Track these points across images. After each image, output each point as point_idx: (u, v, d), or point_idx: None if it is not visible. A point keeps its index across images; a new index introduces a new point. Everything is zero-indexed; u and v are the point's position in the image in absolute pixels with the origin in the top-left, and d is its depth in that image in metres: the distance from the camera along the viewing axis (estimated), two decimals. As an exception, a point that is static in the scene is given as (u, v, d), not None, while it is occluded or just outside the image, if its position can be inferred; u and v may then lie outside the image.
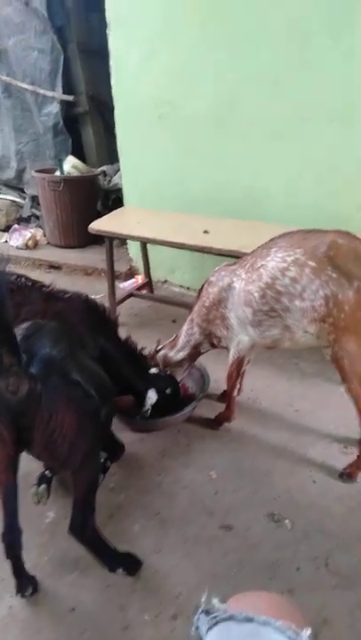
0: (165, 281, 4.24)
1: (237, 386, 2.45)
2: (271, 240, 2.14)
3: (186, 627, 1.63)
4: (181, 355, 2.54)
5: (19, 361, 1.38)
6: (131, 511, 2.08)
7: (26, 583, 1.69)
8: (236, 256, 2.76)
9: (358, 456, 2.17)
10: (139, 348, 2.66)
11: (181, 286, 4.15)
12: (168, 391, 2.50)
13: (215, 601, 0.84)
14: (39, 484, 2.09)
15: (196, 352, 2.54)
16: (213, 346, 2.47)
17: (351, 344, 1.98)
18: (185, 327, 2.51)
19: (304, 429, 2.51)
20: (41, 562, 1.86)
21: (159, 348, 2.61)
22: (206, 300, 2.32)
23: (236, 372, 2.38)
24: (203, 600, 0.85)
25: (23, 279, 2.21)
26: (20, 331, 1.55)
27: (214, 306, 2.29)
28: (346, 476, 2.18)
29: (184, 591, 1.74)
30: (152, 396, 2.44)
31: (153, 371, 2.52)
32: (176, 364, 2.58)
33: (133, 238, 3.19)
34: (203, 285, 2.40)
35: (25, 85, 4.79)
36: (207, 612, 0.80)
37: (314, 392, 2.78)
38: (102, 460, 2.19)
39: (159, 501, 2.12)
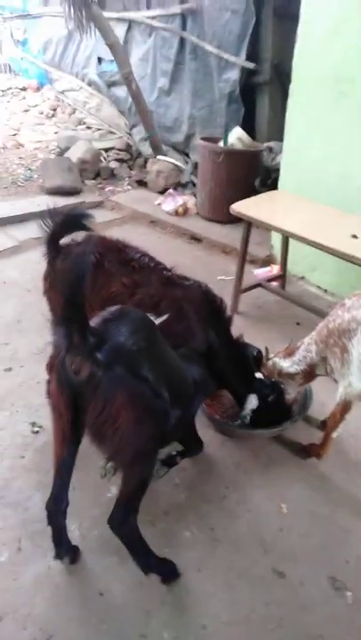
0: (303, 277, 3.91)
1: (339, 428, 2.14)
2: None
3: (201, 662, 1.53)
4: (295, 369, 2.26)
5: (85, 342, 1.34)
6: (186, 515, 2.00)
7: (64, 551, 1.73)
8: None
9: None
10: (253, 350, 2.50)
11: (319, 287, 3.79)
12: (271, 399, 2.33)
13: None
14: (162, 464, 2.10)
15: (311, 372, 2.24)
16: (327, 373, 2.17)
17: None
18: (306, 340, 2.23)
19: None
20: (89, 535, 1.90)
21: (271, 355, 2.39)
22: (332, 322, 2.03)
23: (341, 415, 2.07)
24: None
25: (147, 259, 2.18)
26: (105, 313, 1.50)
27: (338, 332, 1.99)
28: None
29: (210, 625, 1.63)
30: (253, 402, 2.28)
31: (258, 376, 2.35)
32: (287, 377, 2.30)
33: (272, 228, 2.95)
34: (337, 304, 2.10)
35: (211, 48, 4.68)
36: None
37: None
38: (174, 454, 2.13)
39: (218, 516, 2.00)
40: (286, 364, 2.28)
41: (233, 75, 4.63)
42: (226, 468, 2.23)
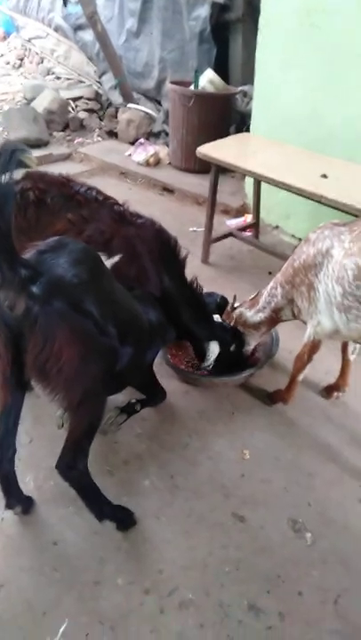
0: (277, 227, 3.78)
1: (305, 370, 2.06)
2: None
3: (156, 605, 1.50)
4: (260, 316, 2.17)
5: (15, 275, 1.22)
6: (147, 464, 1.94)
7: (15, 501, 1.67)
8: (353, 214, 2.27)
9: None
10: (216, 297, 2.40)
11: (293, 236, 3.67)
12: (233, 348, 2.25)
13: None
14: (121, 412, 2.03)
15: (275, 317, 2.15)
16: (294, 316, 2.08)
17: None
18: (269, 285, 2.13)
19: (374, 436, 2.09)
20: (45, 485, 1.84)
21: (237, 305, 2.30)
22: (297, 259, 1.92)
23: (308, 356, 1.99)
24: None
25: (94, 192, 2.03)
26: (40, 244, 1.38)
27: (304, 269, 1.88)
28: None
29: (167, 569, 1.59)
30: (215, 350, 2.20)
31: (217, 318, 2.27)
32: (252, 327, 2.23)
33: (239, 170, 2.80)
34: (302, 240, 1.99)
35: (179, -18, 4.35)
36: None
37: None
38: (133, 401, 2.05)
39: (179, 464, 1.94)
40: (251, 313, 2.20)
41: (203, 11, 4.33)
42: (189, 416, 2.17)
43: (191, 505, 1.79)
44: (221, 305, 2.36)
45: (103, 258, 2.02)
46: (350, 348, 2.12)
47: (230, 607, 1.50)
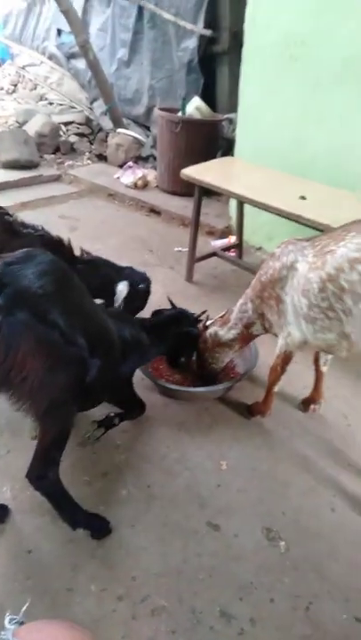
0: (260, 248, 3.89)
1: (280, 381, 2.11)
2: (356, 221, 1.74)
3: (128, 611, 1.50)
4: (233, 333, 2.20)
5: None
6: (124, 475, 1.96)
7: (-9, 510, 1.68)
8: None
9: None
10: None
11: (275, 257, 3.77)
12: (142, 286, 2.37)
13: (8, 623, 0.66)
14: (99, 426, 2.05)
15: (247, 333, 2.19)
16: (266, 330, 2.13)
17: None
18: (239, 302, 2.18)
19: (348, 448, 2.13)
20: (21, 495, 1.84)
21: (209, 323, 2.31)
22: (264, 274, 2.00)
23: (281, 368, 2.05)
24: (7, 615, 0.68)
25: None
26: (7, 256, 1.42)
27: (271, 283, 1.95)
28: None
29: (140, 577, 1.60)
30: (123, 289, 2.29)
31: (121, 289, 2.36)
32: (226, 345, 2.25)
33: (221, 191, 2.90)
34: (267, 256, 2.07)
35: (168, 16, 4.56)
36: None
37: (379, 409, 2.35)
38: (112, 415, 2.08)
39: (156, 475, 1.96)
40: (223, 331, 2.22)
41: (191, 43, 4.53)
42: (168, 429, 2.20)
43: (167, 514, 1.81)
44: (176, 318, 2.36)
45: None
46: (322, 359, 2.18)
47: (202, 614, 1.51)
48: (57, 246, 2.16)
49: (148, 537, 1.72)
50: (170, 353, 2.28)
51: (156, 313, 2.28)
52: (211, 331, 2.27)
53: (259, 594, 1.57)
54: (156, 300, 2.58)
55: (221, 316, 2.28)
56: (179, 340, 2.21)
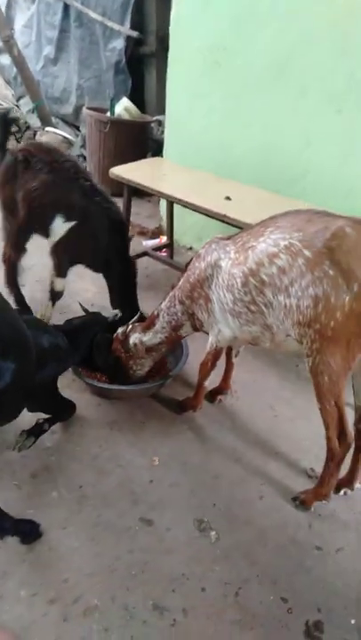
0: (190, 248, 3.96)
1: (209, 376, 2.17)
2: (273, 217, 1.82)
3: (60, 614, 1.48)
4: (159, 338, 2.19)
5: None
6: (55, 476, 1.92)
7: None
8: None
9: (319, 483, 1.88)
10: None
11: (206, 257, 3.85)
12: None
13: None
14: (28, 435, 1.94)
15: (176, 336, 2.19)
16: (196, 329, 2.16)
17: (336, 359, 1.63)
18: (164, 305, 2.16)
19: (275, 438, 2.22)
20: None
21: (128, 330, 2.24)
22: (192, 275, 2.03)
23: (212, 363, 2.10)
24: None
25: (70, 164, 2.50)
26: None
27: (199, 283, 1.99)
28: (300, 501, 1.90)
29: (72, 578, 1.58)
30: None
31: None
32: (153, 350, 2.22)
33: (149, 190, 2.92)
34: (191, 258, 2.11)
35: (95, 15, 4.53)
36: None
37: (302, 399, 2.45)
38: (40, 422, 2.01)
39: (88, 474, 1.94)
40: (148, 337, 2.20)
41: (118, 44, 4.53)
42: (100, 428, 2.18)
43: (99, 513, 1.80)
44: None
45: (61, 220, 2.48)
46: (233, 351, 2.26)
47: (135, 609, 1.51)
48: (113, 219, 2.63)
49: (79, 537, 1.71)
50: (87, 358, 2.20)
51: (69, 321, 2.21)
52: (133, 339, 2.22)
53: (190, 584, 1.60)
54: (90, 298, 2.55)
55: (143, 323, 2.26)
56: (92, 344, 2.18)
